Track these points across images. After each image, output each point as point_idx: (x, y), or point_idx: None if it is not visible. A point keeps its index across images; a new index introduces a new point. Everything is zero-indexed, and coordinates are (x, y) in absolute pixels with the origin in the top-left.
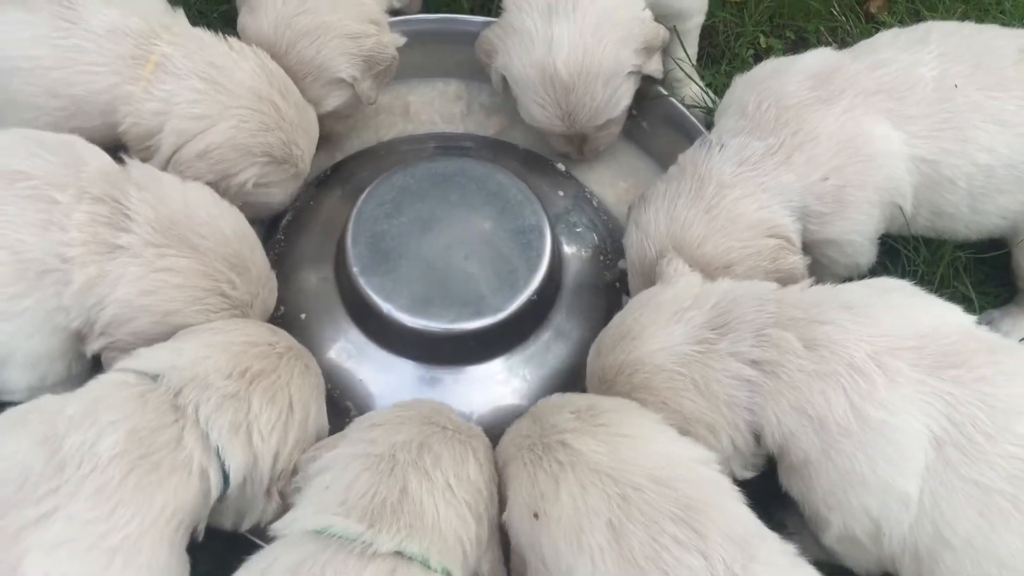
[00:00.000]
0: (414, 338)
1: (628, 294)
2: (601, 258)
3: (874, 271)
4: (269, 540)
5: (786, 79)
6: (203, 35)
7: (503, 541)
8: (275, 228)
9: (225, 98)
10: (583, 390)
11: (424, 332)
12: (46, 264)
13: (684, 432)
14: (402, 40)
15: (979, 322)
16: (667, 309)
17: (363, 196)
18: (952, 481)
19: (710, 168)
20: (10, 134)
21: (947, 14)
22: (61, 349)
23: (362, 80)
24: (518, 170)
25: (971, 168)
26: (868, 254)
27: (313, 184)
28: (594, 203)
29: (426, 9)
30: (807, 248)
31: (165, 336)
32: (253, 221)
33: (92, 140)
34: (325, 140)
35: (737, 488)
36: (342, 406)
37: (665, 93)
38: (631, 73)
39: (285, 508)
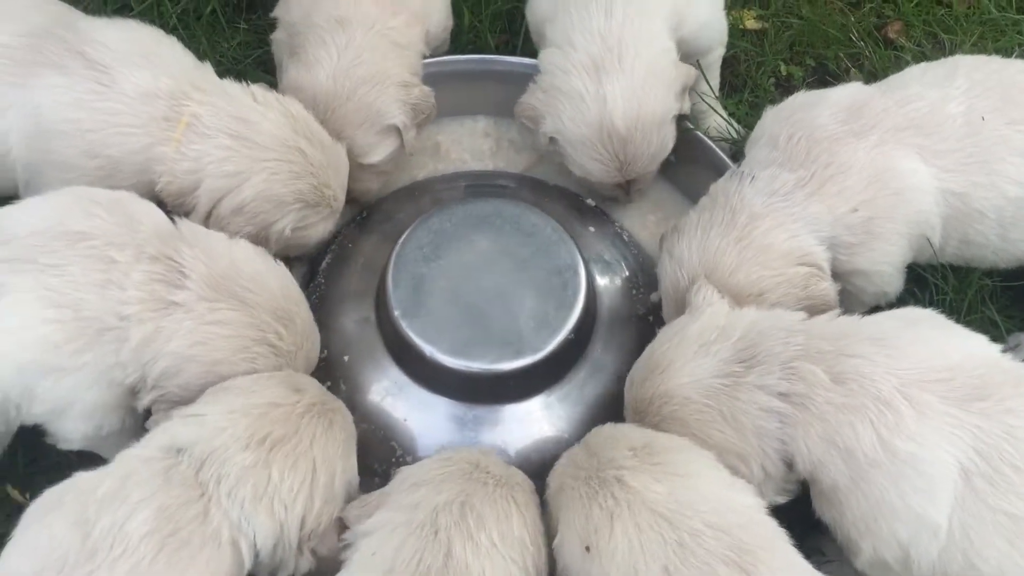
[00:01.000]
0: (455, 378)
1: (660, 325)
2: (633, 291)
3: (902, 298)
4: None
5: (817, 112)
6: (229, 88)
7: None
8: (315, 271)
9: (254, 152)
10: (620, 419)
11: (465, 373)
12: (105, 322)
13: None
14: (432, 92)
15: (1006, 345)
16: (693, 342)
17: (402, 239)
18: (981, 512)
19: (741, 199)
20: (64, 194)
21: (964, 36)
22: (116, 403)
23: (409, 128)
24: (549, 207)
25: (1001, 200)
26: (896, 283)
27: (350, 225)
28: (624, 237)
29: (453, 50)
30: (836, 277)
31: (206, 384)
32: (294, 263)
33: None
34: (355, 201)
35: (785, 531)
36: (387, 446)
37: (692, 127)
38: (675, 116)
39: (321, 563)
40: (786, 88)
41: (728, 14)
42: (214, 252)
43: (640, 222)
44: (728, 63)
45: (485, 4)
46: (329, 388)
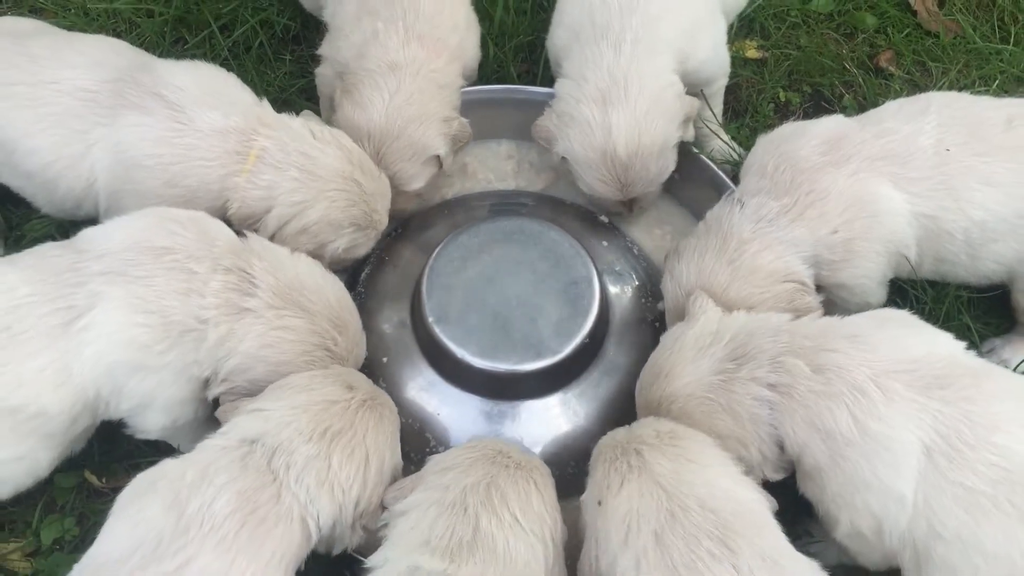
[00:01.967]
0: (483, 377)
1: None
2: (643, 299)
3: (886, 307)
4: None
5: (800, 144)
6: (291, 123)
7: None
8: (356, 280)
9: (318, 184)
10: (631, 416)
11: (492, 372)
12: (186, 325)
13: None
14: (468, 124)
15: (982, 350)
16: (691, 347)
17: (434, 254)
18: (941, 484)
19: (732, 225)
20: (147, 214)
21: (950, 63)
22: (192, 396)
23: (447, 156)
24: (568, 225)
25: (967, 222)
26: (878, 295)
27: (387, 239)
28: (634, 251)
29: (479, 80)
30: (822, 289)
31: (273, 381)
32: (338, 273)
33: None
34: (392, 218)
35: (778, 523)
36: (423, 437)
37: (696, 150)
38: (676, 144)
39: (369, 537)
40: (784, 113)
41: (731, 44)
42: (281, 265)
43: (648, 236)
44: (730, 90)
45: (508, 37)
46: None
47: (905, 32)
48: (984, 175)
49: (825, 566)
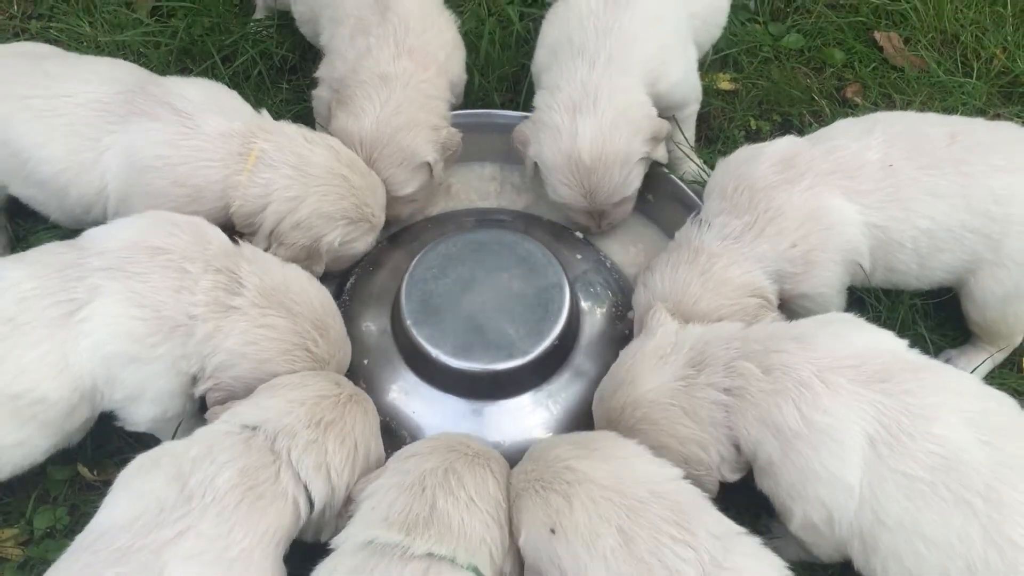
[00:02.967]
0: (457, 377)
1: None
2: (614, 310)
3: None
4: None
5: (756, 165)
6: (286, 129)
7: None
8: (342, 288)
9: (308, 180)
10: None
11: (465, 371)
12: (177, 320)
13: (679, 451)
14: (459, 133)
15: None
16: (652, 356)
17: (414, 261)
18: (884, 472)
19: (701, 242)
20: (148, 216)
21: (914, 95)
22: (180, 389)
23: (438, 163)
24: (543, 238)
25: (915, 232)
26: (837, 303)
27: (371, 253)
28: (607, 264)
29: (464, 106)
30: (786, 302)
31: (259, 381)
32: (328, 277)
33: (208, 220)
34: (389, 223)
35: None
36: (399, 435)
37: (667, 171)
38: (641, 159)
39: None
40: (755, 140)
41: (705, 76)
42: (268, 269)
43: (623, 253)
44: (704, 118)
45: (492, 68)
46: None
47: (872, 66)
48: (929, 187)
49: (786, 562)
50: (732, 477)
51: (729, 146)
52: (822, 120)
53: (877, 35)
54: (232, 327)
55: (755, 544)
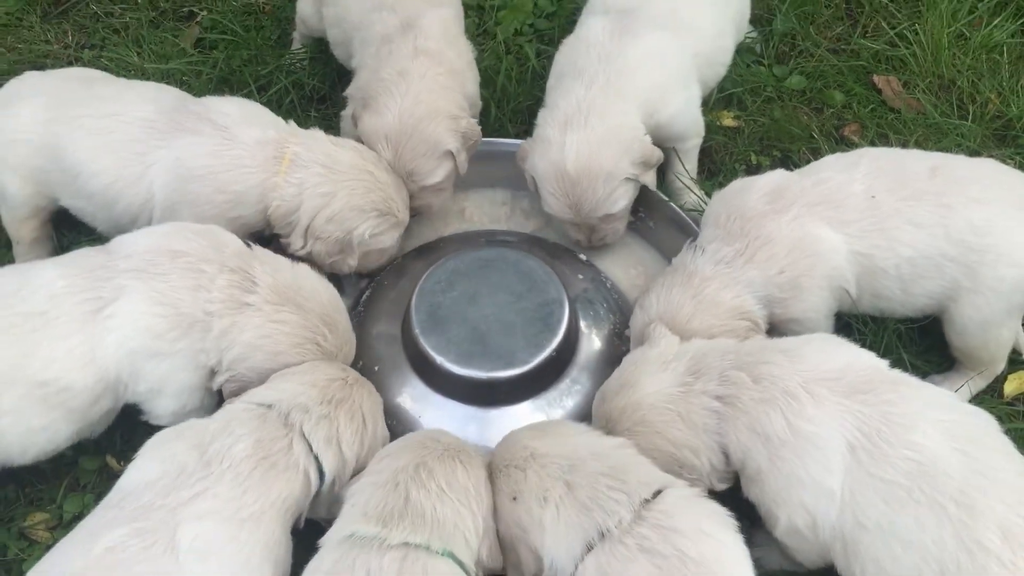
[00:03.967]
0: (460, 384)
1: None
2: (612, 327)
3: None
4: None
5: (747, 196)
6: (315, 134)
7: None
8: (357, 302)
9: (338, 177)
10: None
11: (468, 379)
12: (195, 317)
13: (673, 454)
14: (478, 125)
15: None
16: (655, 363)
17: (424, 276)
18: (864, 478)
19: (695, 267)
20: (170, 225)
21: (910, 136)
22: (200, 383)
23: (460, 152)
24: (547, 258)
25: (897, 259)
26: (825, 328)
27: (385, 270)
28: (608, 285)
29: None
30: (777, 326)
31: (272, 372)
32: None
33: (248, 225)
34: (420, 217)
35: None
36: None
37: (666, 199)
38: (628, 179)
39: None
40: (755, 174)
41: (710, 113)
42: (279, 269)
43: (624, 275)
44: (706, 152)
45: (508, 101)
46: None
47: (870, 107)
48: (910, 217)
49: (768, 571)
50: (720, 486)
51: (729, 179)
52: (820, 156)
53: (876, 78)
54: (247, 322)
55: (691, 491)
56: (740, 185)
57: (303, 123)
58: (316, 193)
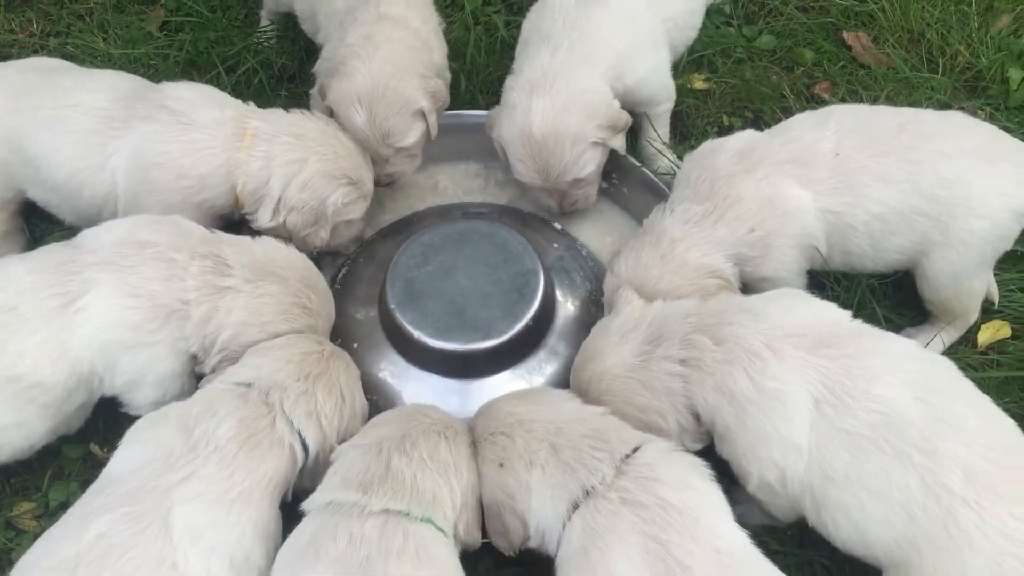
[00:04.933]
0: (439, 357)
1: None
2: (588, 295)
3: None
4: None
5: (717, 157)
6: (274, 110)
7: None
8: (334, 280)
9: (307, 144)
10: None
11: (446, 351)
12: (172, 306)
13: (640, 419)
14: (445, 87)
15: None
16: (616, 334)
17: (399, 251)
18: (829, 431)
19: (664, 228)
20: (131, 218)
21: (880, 91)
22: (181, 370)
23: (431, 112)
24: (521, 228)
25: (867, 216)
26: (798, 286)
27: (361, 246)
28: (583, 252)
29: (451, 108)
30: (749, 285)
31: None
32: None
33: (216, 208)
34: (393, 192)
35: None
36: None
37: (639, 164)
38: (596, 143)
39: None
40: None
41: (680, 76)
42: (248, 248)
43: (599, 242)
44: (678, 116)
45: (478, 72)
46: None
47: (840, 64)
48: (879, 174)
49: (752, 528)
50: (693, 446)
51: (701, 142)
52: (792, 115)
53: (846, 35)
54: (232, 304)
55: (666, 444)
56: (710, 146)
57: (272, 103)
58: (286, 160)
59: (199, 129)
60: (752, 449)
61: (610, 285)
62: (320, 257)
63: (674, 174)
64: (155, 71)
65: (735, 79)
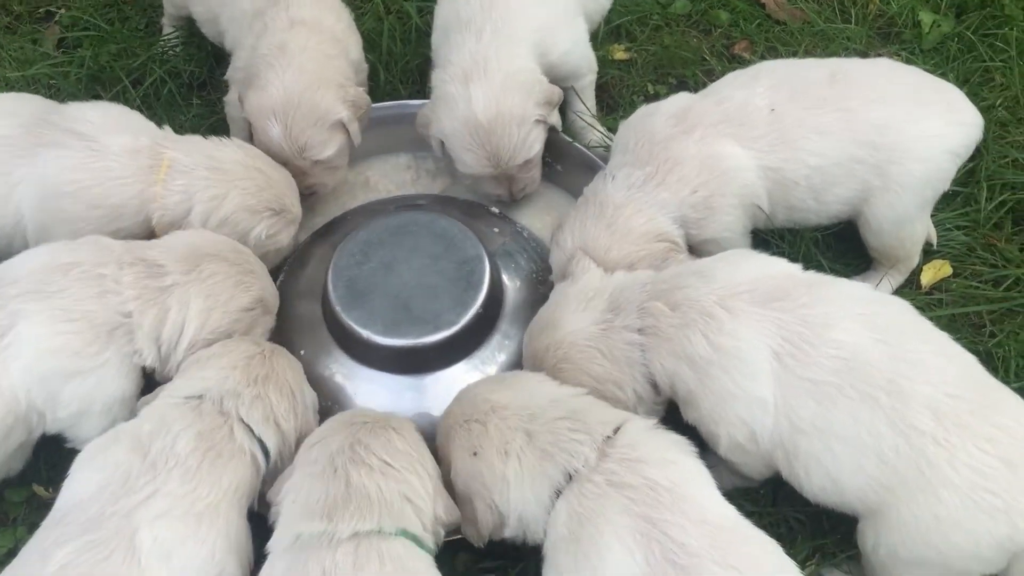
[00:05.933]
0: (389, 354)
1: None
2: (534, 276)
3: None
4: None
5: (653, 120)
6: (191, 138)
7: None
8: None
9: (226, 177)
10: None
11: (396, 348)
12: (112, 323)
13: (597, 390)
14: (366, 94)
15: None
16: (575, 301)
17: (337, 251)
18: (792, 382)
19: (607, 195)
20: (45, 245)
21: (798, 46)
22: (133, 390)
23: (352, 122)
24: (461, 216)
25: (806, 170)
26: (743, 246)
27: (296, 251)
28: (524, 234)
29: (372, 99)
30: (695, 248)
31: (230, 323)
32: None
33: (132, 235)
34: (313, 197)
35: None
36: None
37: (571, 140)
38: (538, 121)
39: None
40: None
41: (600, 48)
42: (171, 243)
43: (539, 222)
44: (603, 87)
45: (396, 62)
46: None
47: (756, 23)
48: (814, 126)
49: (724, 491)
50: (651, 417)
51: (628, 112)
52: (715, 78)
53: None
54: (185, 296)
55: (647, 422)
56: (645, 110)
57: (186, 113)
58: (205, 197)
59: (111, 157)
60: (717, 410)
61: (558, 258)
62: None
63: (606, 147)
64: (56, 90)
65: (655, 46)
